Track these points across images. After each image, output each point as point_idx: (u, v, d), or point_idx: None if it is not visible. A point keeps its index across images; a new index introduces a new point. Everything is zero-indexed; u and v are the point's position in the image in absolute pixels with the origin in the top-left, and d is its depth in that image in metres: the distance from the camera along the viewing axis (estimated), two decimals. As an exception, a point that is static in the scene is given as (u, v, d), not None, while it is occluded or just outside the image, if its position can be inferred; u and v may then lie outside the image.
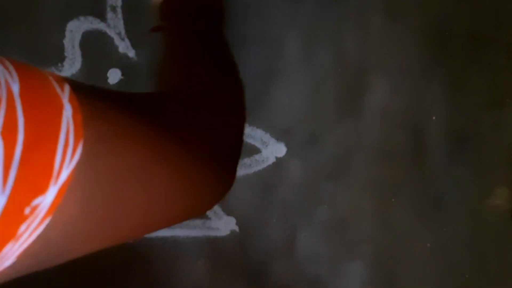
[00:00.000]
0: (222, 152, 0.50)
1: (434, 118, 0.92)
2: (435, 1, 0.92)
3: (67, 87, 0.33)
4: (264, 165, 0.93)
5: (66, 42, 0.92)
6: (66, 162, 0.31)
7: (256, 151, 0.93)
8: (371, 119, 0.92)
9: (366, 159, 0.92)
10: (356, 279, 0.93)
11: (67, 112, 0.32)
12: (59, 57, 0.92)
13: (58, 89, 0.33)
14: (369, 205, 0.93)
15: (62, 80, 0.34)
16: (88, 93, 0.35)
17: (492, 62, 0.91)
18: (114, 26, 0.92)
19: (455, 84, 0.92)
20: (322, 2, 0.92)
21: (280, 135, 0.93)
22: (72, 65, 0.92)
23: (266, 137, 0.92)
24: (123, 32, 0.92)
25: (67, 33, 0.92)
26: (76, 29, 0.92)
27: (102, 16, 0.92)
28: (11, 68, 0.31)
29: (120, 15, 0.92)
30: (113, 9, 0.92)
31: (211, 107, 0.51)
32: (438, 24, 0.92)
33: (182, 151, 0.42)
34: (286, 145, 0.93)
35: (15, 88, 0.30)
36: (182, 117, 0.45)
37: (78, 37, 0.92)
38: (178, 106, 0.47)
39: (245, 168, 0.92)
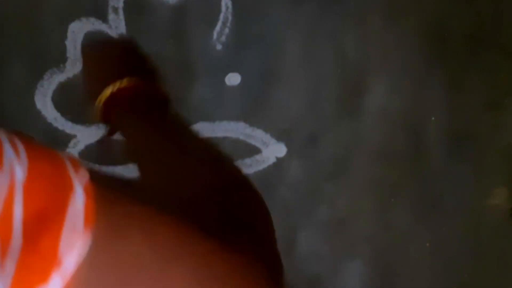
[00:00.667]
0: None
1: (433, 118, 0.93)
2: (434, 3, 0.92)
3: (84, 174, 0.32)
4: (265, 165, 0.93)
5: (68, 43, 0.92)
6: (73, 250, 0.30)
7: (257, 151, 0.93)
8: (370, 119, 0.93)
9: (365, 159, 0.93)
10: (355, 277, 0.94)
11: (78, 199, 0.31)
12: (62, 58, 0.92)
13: (72, 174, 0.32)
14: (368, 205, 0.93)
15: (79, 166, 0.33)
16: (105, 182, 0.34)
17: (491, 63, 0.92)
18: (115, 27, 0.93)
19: (454, 84, 0.92)
20: (322, 3, 0.92)
21: (280, 136, 0.93)
22: (74, 66, 0.92)
23: (267, 137, 0.93)
24: (124, 33, 0.92)
25: (69, 34, 0.92)
26: (78, 30, 0.92)
27: (103, 17, 0.92)
28: (20, 147, 0.30)
29: (121, 16, 0.92)
30: (115, 10, 0.92)
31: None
32: (437, 25, 0.92)
33: (203, 250, 0.38)
34: (287, 145, 0.93)
35: (19, 174, 0.29)
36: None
37: (80, 38, 0.92)
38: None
39: (246, 168, 0.93)
